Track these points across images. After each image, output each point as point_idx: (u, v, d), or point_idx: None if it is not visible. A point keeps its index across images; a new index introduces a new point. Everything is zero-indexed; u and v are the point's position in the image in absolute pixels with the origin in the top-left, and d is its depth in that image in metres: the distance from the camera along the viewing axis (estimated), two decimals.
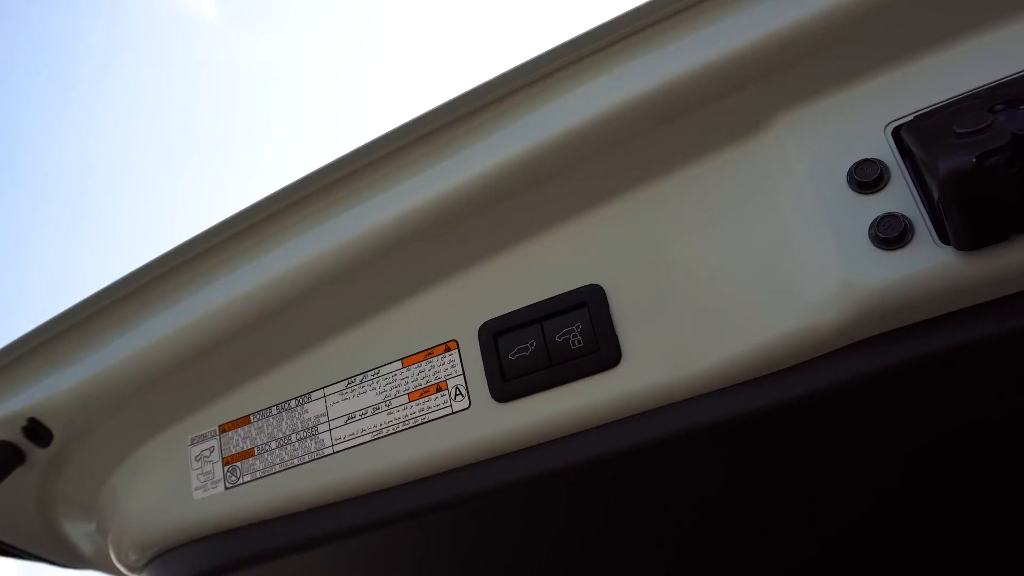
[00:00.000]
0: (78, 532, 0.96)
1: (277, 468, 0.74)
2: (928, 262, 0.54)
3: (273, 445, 0.75)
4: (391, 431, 0.70)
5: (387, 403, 0.71)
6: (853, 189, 0.58)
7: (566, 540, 0.80)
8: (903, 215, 0.56)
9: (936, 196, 0.53)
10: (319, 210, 0.73)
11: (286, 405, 0.76)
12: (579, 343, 0.65)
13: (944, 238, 0.54)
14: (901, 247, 0.55)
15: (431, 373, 0.70)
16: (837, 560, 0.88)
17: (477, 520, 0.73)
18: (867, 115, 0.61)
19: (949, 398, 0.62)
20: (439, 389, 0.69)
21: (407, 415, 0.70)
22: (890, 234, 0.55)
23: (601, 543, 0.81)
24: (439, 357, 0.70)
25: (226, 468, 0.77)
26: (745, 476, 0.71)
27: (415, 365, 0.71)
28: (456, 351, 0.70)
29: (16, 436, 0.83)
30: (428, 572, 0.84)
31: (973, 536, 0.83)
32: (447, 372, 0.69)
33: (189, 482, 0.79)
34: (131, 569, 0.89)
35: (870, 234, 0.56)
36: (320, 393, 0.74)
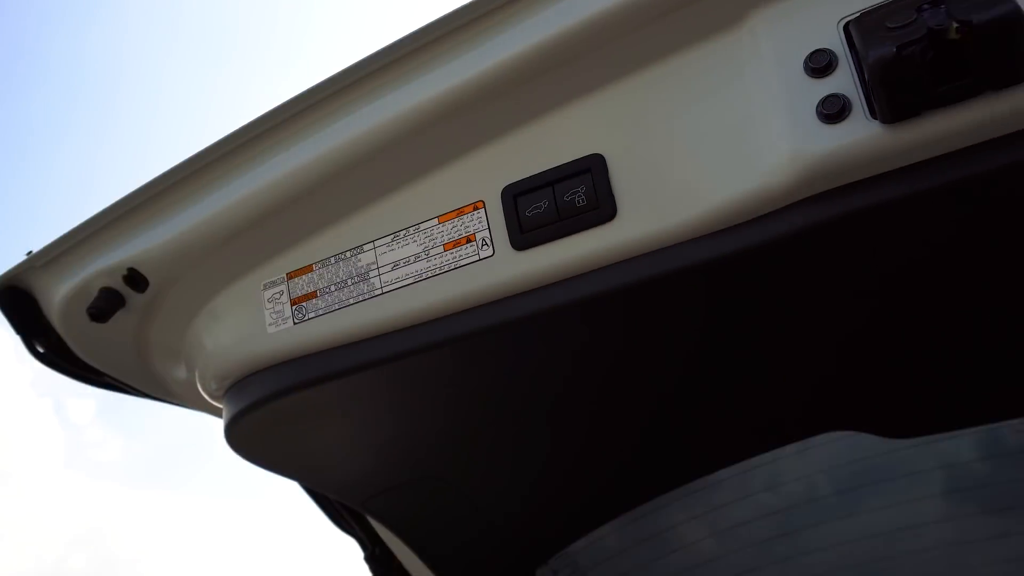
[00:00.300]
0: (167, 370, 1.15)
1: (336, 307, 0.91)
2: (859, 133, 0.68)
3: (332, 288, 0.92)
4: (430, 275, 0.86)
5: (426, 252, 0.87)
6: (807, 73, 0.72)
7: (575, 368, 0.97)
8: (844, 95, 0.69)
9: (867, 78, 0.67)
10: (369, 91, 0.87)
11: (342, 256, 0.92)
12: (583, 201, 0.79)
13: (874, 114, 0.68)
14: (840, 121, 0.69)
15: (462, 228, 0.85)
16: (798, 382, 1.04)
17: (500, 349, 0.90)
18: (824, 13, 0.73)
19: (879, 245, 0.76)
20: (469, 241, 0.85)
21: (443, 262, 0.86)
22: (832, 110, 0.69)
23: (604, 371, 0.97)
24: (469, 215, 0.85)
25: (294, 307, 0.94)
26: (719, 310, 0.86)
27: (449, 221, 0.86)
28: (483, 209, 0.85)
29: (118, 283, 1.00)
30: (460, 396, 1.01)
31: (913, 361, 0.99)
32: (475, 227, 0.85)
33: (263, 320, 0.96)
34: (213, 397, 1.08)
35: (816, 111, 0.70)
36: (371, 245, 0.90)
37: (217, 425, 1.10)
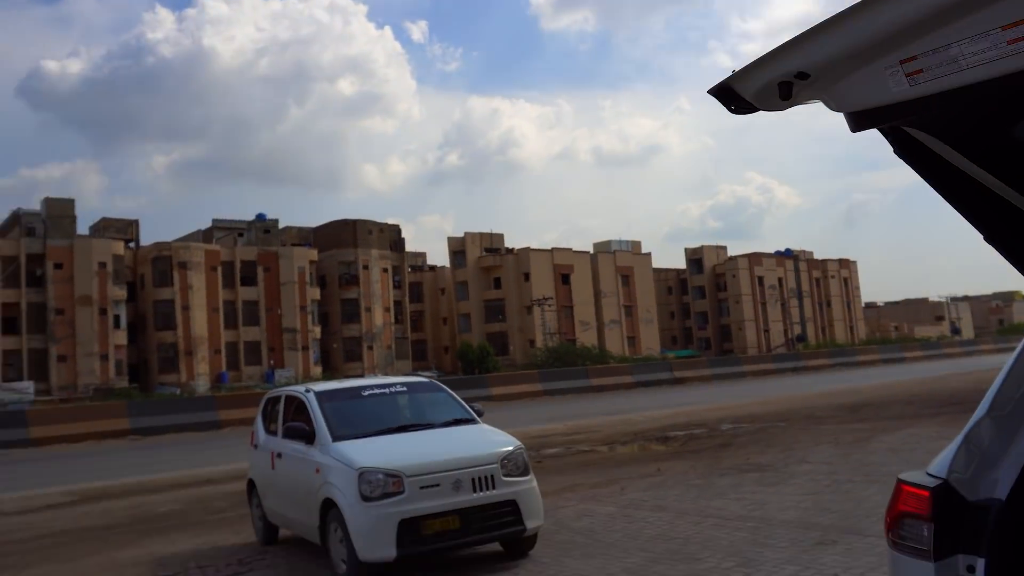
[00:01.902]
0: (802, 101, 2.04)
1: (937, 76, 1.71)
2: None
3: (932, 67, 1.70)
4: (1000, 57, 1.61)
5: (995, 45, 1.60)
6: None
7: None
8: None
9: None
10: None
11: (937, 50, 1.68)
12: None
13: None
14: None
15: (1021, 32, 1.56)
16: None
17: None
18: None
19: None
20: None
21: (1008, 50, 1.59)
22: None
23: None
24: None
25: (908, 78, 1.76)
26: None
27: (1009, 29, 1.57)
28: None
29: (790, 78, 1.89)
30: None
31: None
32: None
33: (887, 84, 1.79)
34: (834, 110, 1.98)
35: None
36: (956, 44, 1.65)
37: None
